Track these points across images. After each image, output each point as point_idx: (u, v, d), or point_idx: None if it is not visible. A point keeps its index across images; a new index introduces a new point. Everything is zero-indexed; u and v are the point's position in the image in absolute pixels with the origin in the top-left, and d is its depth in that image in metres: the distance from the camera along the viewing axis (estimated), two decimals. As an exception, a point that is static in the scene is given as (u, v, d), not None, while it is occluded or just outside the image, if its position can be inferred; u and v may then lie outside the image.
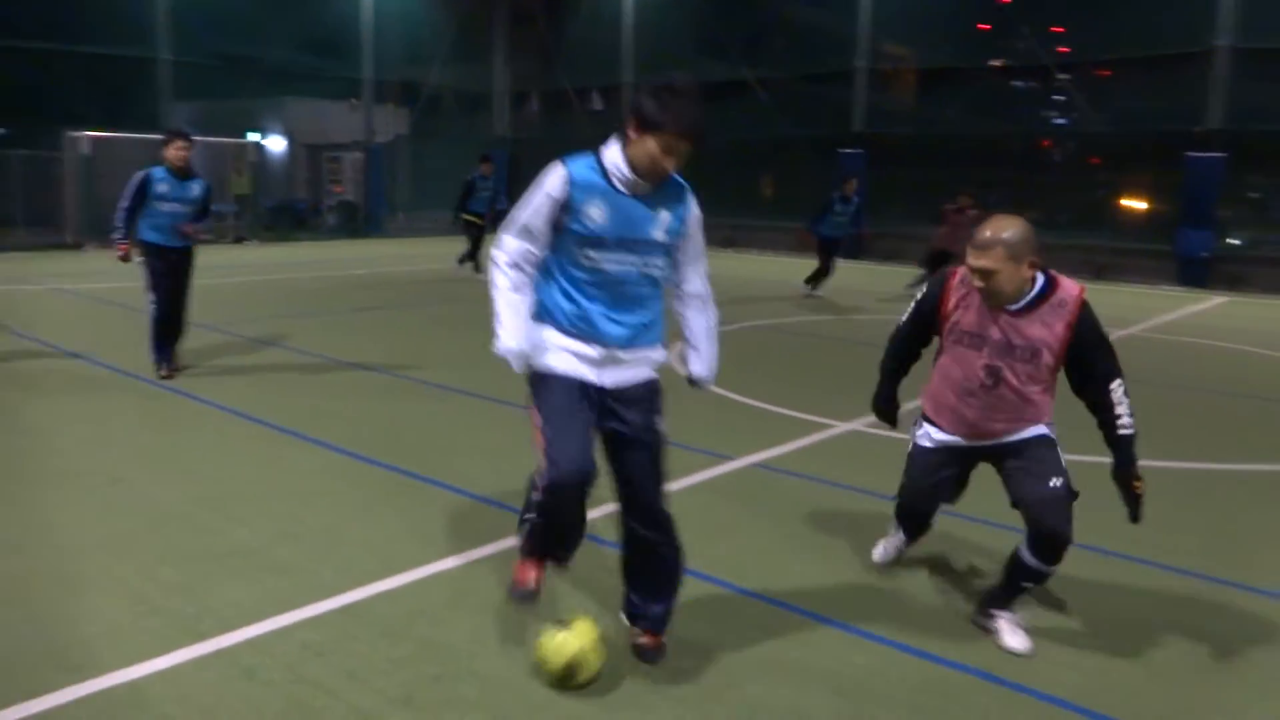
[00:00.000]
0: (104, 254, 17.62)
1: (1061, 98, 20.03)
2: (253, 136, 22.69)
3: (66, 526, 4.37)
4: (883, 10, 20.21)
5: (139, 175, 7.13)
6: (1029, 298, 3.32)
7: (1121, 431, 3.33)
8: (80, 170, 18.17)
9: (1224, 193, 16.59)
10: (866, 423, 6.54)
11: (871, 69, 20.65)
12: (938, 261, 12.73)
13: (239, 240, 20.25)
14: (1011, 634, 3.45)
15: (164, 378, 7.20)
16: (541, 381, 3.08)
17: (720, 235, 22.44)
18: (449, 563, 4.05)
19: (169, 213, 7.14)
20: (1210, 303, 14.64)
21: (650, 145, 2.88)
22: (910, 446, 3.78)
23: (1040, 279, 3.34)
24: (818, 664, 3.31)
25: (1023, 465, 3.45)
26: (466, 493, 4.92)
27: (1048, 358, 3.33)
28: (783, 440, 6.04)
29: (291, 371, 7.74)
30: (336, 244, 21.13)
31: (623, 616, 3.39)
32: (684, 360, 3.43)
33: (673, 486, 5.05)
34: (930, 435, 3.67)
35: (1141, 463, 3.43)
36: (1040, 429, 3.50)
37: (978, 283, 3.30)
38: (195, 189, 7.27)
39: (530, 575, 3.20)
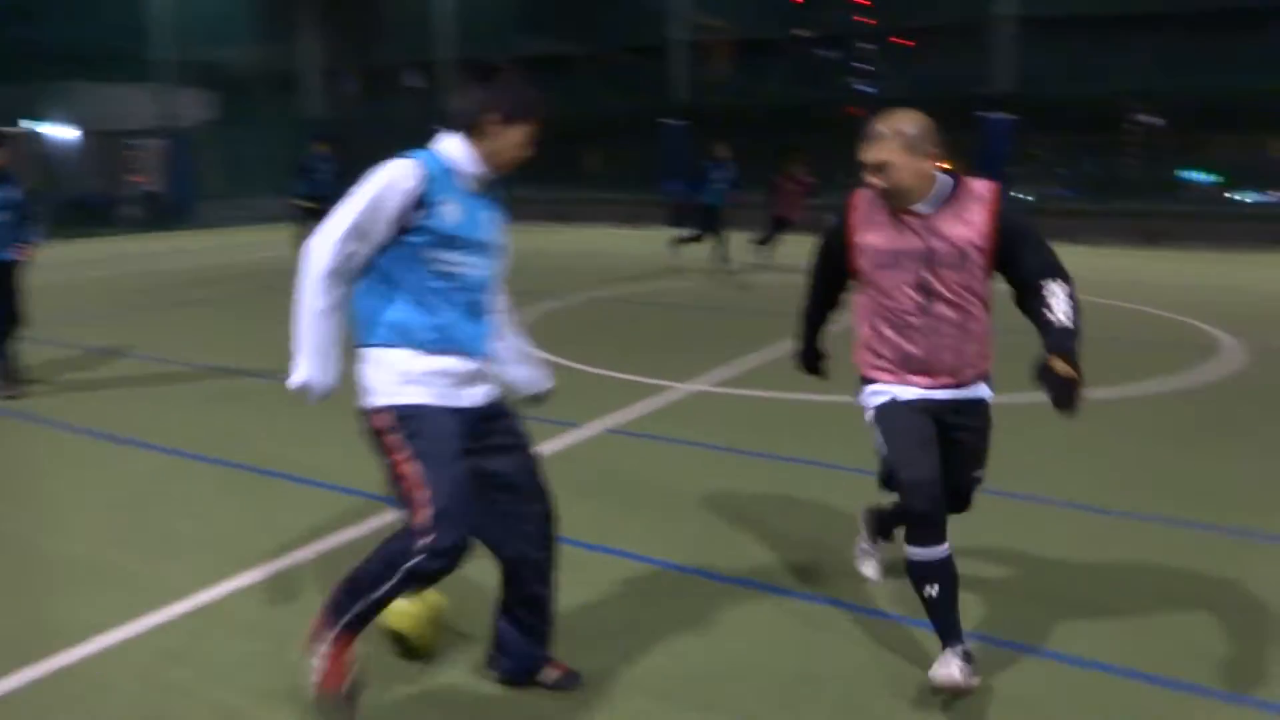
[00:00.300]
0: None
1: (866, 66, 21.09)
2: (30, 125, 20.83)
3: None
4: (696, -20, 20.62)
5: None
6: (939, 195, 2.98)
7: (1057, 324, 2.93)
8: None
9: (1014, 152, 17.95)
10: (710, 381, 6.78)
11: (690, 41, 21.04)
12: (776, 230, 13.18)
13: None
14: (868, 564, 3.68)
15: (9, 398, 6.47)
16: (410, 421, 2.57)
17: (548, 210, 22.45)
18: (302, 553, 3.94)
19: None
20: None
21: (516, 136, 2.70)
22: (871, 421, 3.14)
23: (946, 177, 3.00)
24: (689, 616, 3.44)
25: (966, 442, 3.13)
26: (313, 482, 4.79)
27: (976, 257, 2.96)
28: (629, 404, 6.17)
29: (123, 376, 7.25)
30: (141, 238, 19.74)
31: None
32: (514, 381, 3.09)
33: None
34: (881, 391, 3.11)
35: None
36: (984, 389, 3.20)
37: (876, 181, 2.96)
38: (12, 192, 6.48)
39: (346, 669, 2.60)
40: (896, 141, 2.94)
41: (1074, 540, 4.08)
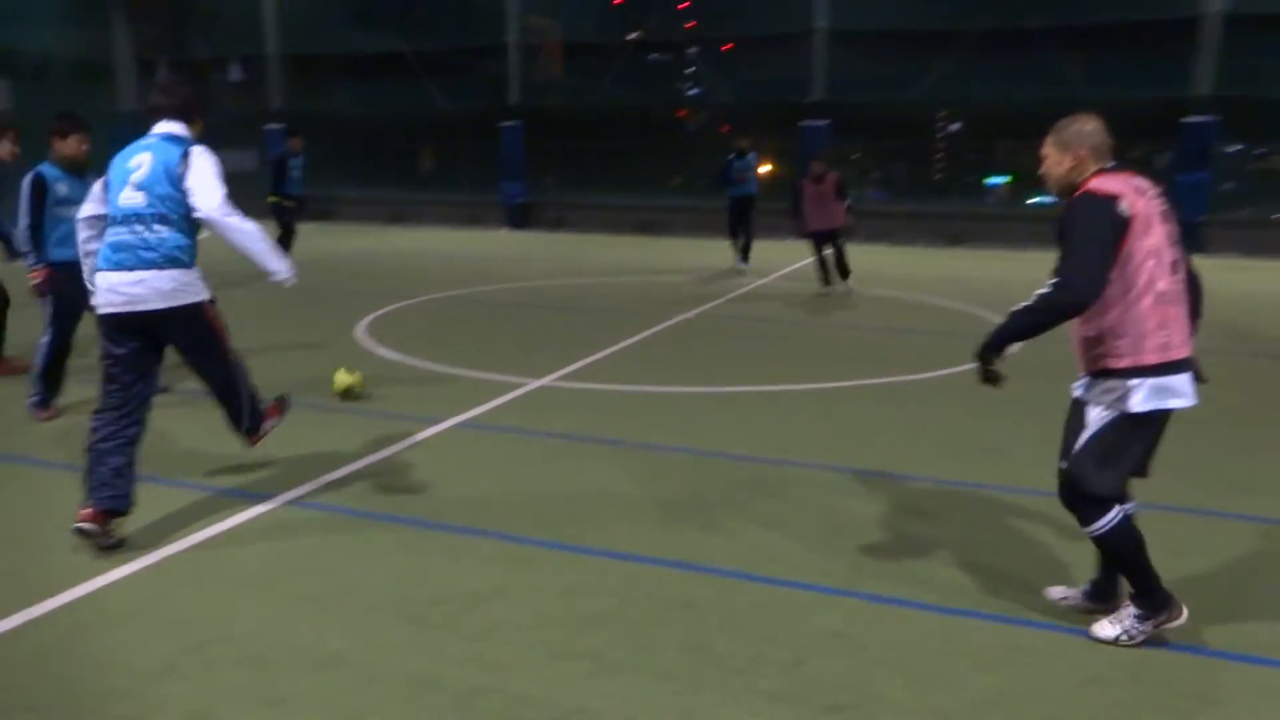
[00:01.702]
0: None
1: (692, 70, 21.96)
2: None
3: None
4: (528, -17, 20.85)
5: (29, 177, 5.73)
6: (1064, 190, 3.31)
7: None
8: None
9: (832, 155, 19.21)
10: (558, 377, 7.15)
11: (523, 43, 21.26)
12: (822, 247, 11.60)
13: None
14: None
15: (48, 419, 5.91)
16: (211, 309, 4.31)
17: (387, 212, 22.18)
18: (176, 547, 4.05)
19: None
20: (825, 251, 16.97)
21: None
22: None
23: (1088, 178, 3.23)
24: (549, 583, 3.81)
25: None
26: (175, 483, 4.85)
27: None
28: (484, 400, 6.46)
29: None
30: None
31: None
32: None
33: (392, 450, 5.35)
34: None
35: (788, 387, 4.23)
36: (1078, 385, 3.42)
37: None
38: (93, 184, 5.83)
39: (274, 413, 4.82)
40: (1051, 137, 3.35)
41: (893, 501, 4.71)
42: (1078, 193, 3.24)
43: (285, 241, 12.70)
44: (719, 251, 16.89)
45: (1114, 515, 3.23)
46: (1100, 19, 16.85)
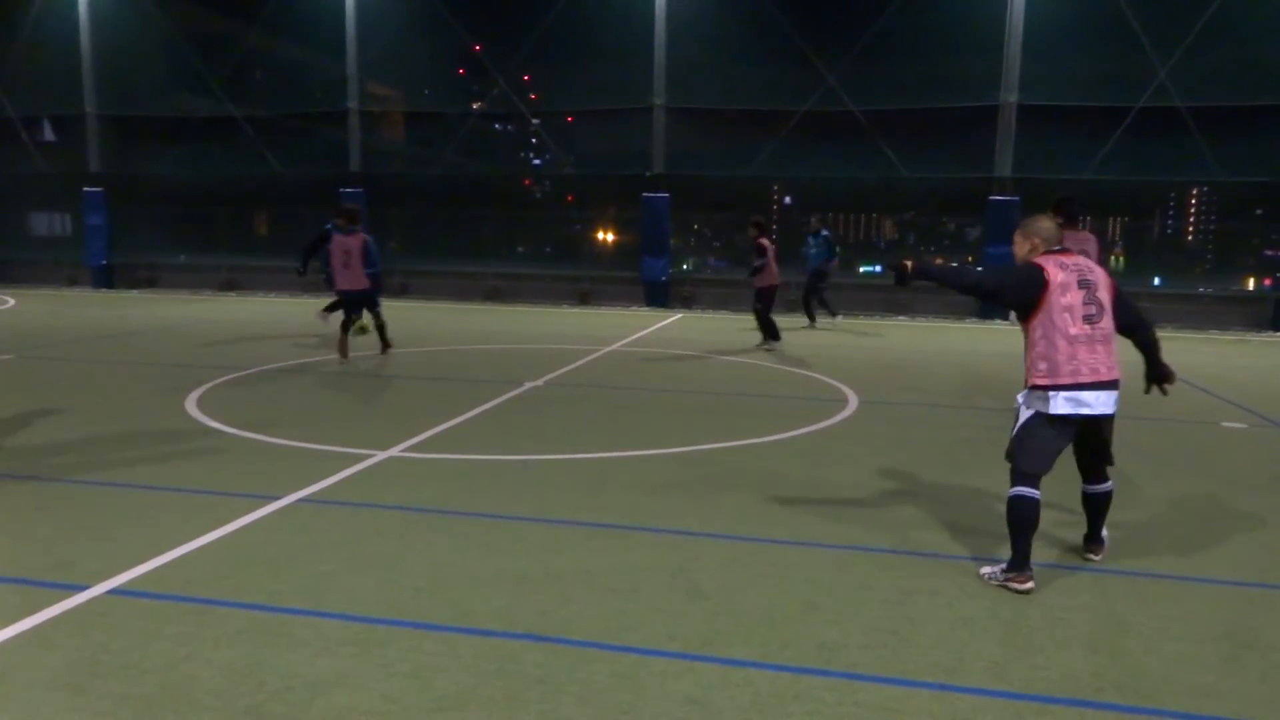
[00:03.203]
0: None
1: (537, 141, 22.29)
2: None
3: None
4: (368, 51, 20.72)
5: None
6: None
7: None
8: None
9: (672, 226, 19.80)
10: (401, 448, 6.95)
11: (363, 110, 21.04)
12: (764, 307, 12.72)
13: None
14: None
15: None
16: None
17: (219, 278, 21.22)
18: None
19: None
20: (672, 318, 17.41)
21: None
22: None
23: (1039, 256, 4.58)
24: (398, 663, 3.65)
25: None
26: (-28, 574, 4.39)
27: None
28: (327, 474, 6.20)
29: None
30: None
31: None
32: None
33: (226, 530, 5.05)
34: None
35: (636, 453, 4.26)
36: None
37: None
38: None
39: None
40: (1017, 233, 4.76)
41: (727, 560, 4.79)
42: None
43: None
44: (566, 318, 17.02)
45: (1020, 489, 4.51)
46: (913, 105, 18.28)
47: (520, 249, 22.90)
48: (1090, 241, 7.78)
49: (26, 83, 22.48)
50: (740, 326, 16.09)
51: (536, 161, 23.08)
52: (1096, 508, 4.89)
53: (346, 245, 10.98)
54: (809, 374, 10.90)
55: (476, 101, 21.38)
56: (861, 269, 21.40)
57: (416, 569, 4.60)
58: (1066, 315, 4.41)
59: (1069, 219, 8.06)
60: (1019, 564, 4.48)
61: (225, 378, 9.86)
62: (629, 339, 13.93)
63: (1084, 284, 4.46)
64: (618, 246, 21.98)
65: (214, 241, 22.36)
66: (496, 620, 4.02)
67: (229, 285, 20.56)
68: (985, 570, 4.63)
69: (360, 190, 20.37)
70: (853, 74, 18.45)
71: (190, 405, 8.39)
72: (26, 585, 4.27)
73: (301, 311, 16.99)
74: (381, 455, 6.73)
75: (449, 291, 20.48)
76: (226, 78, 21.35)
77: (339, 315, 11.43)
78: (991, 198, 18.04)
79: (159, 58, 22.56)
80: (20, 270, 22.54)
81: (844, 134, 18.81)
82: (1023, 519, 4.47)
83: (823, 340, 14.35)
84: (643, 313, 18.44)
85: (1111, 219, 20.27)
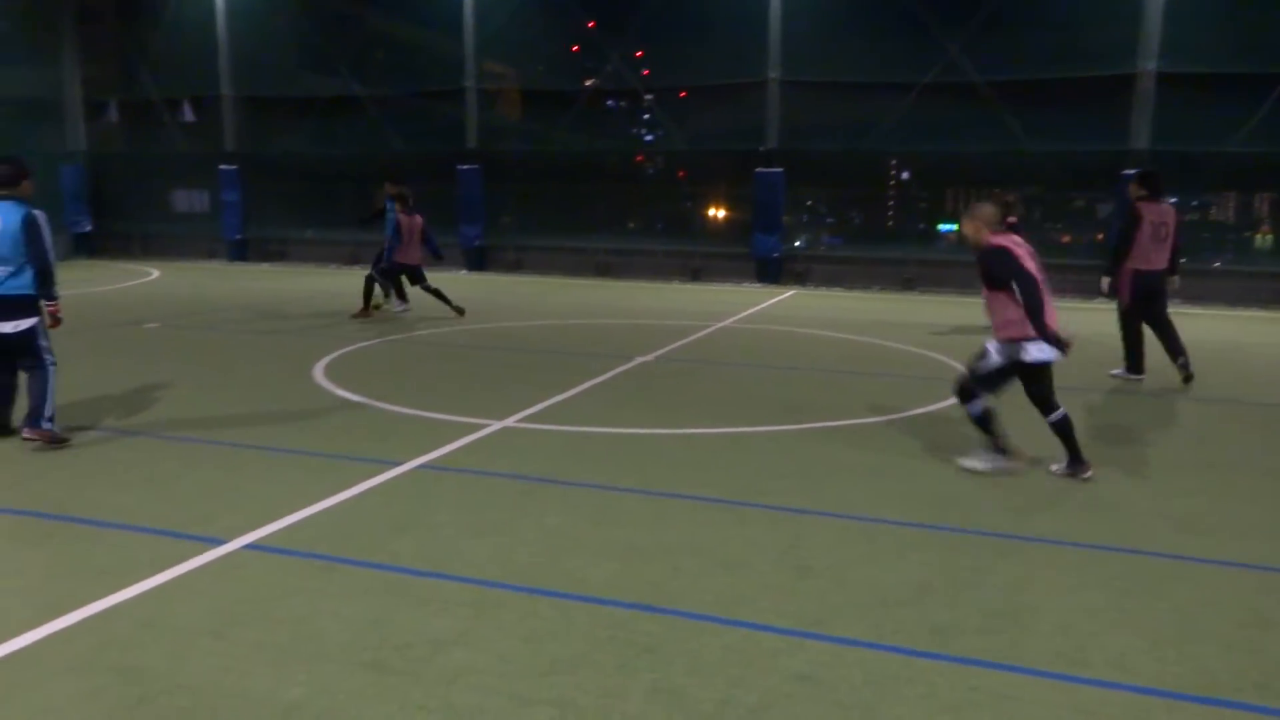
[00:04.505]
0: None
1: (650, 118, 22.26)
2: None
3: None
4: (485, 30, 21.06)
5: (42, 216, 6.21)
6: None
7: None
8: None
9: (786, 202, 19.52)
10: (517, 418, 7.11)
11: (480, 88, 21.42)
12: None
13: None
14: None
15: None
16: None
17: (343, 253, 22.03)
18: (125, 594, 3.93)
19: None
20: (784, 295, 17.21)
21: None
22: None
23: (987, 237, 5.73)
24: (513, 627, 3.76)
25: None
26: (127, 527, 4.72)
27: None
28: (445, 442, 6.39)
29: None
30: None
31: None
32: None
33: (351, 493, 5.28)
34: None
35: (747, 429, 4.25)
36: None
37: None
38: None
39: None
40: (965, 217, 5.83)
41: (851, 545, 4.73)
42: (984, 247, 5.73)
43: (399, 285, 13.17)
44: (677, 294, 17.04)
45: (979, 403, 5.87)
46: (1041, 75, 17.45)
47: (631, 225, 22.95)
48: (1170, 214, 8.49)
49: (168, 67, 23.70)
50: (854, 305, 15.80)
51: (649, 137, 23.06)
52: (1064, 432, 5.85)
53: (413, 224, 12.64)
54: (924, 352, 10.62)
55: (590, 78, 21.49)
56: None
57: (530, 536, 4.71)
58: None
59: (1153, 192, 8.56)
60: (1001, 449, 5.93)
61: (350, 348, 10.26)
62: (740, 315, 13.86)
63: (1032, 256, 5.71)
64: (729, 222, 21.81)
65: (339, 217, 23.17)
66: (608, 589, 4.08)
67: (353, 260, 21.28)
68: (978, 465, 5.92)
69: (477, 167, 20.78)
70: (975, 43, 17.72)
71: (318, 373, 8.77)
72: (172, 537, 4.56)
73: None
74: (496, 425, 6.89)
75: (561, 267, 20.74)
76: (350, 58, 22.04)
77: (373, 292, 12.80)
78: (1125, 172, 17.11)
79: (288, 40, 23.43)
80: (164, 244, 23.89)
81: (966, 106, 18.12)
82: (988, 418, 5.89)
83: (942, 316, 13.96)
84: (754, 289, 18.29)
85: (1258, 194, 18.97)
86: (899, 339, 11.68)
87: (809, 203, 21.93)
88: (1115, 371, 9.27)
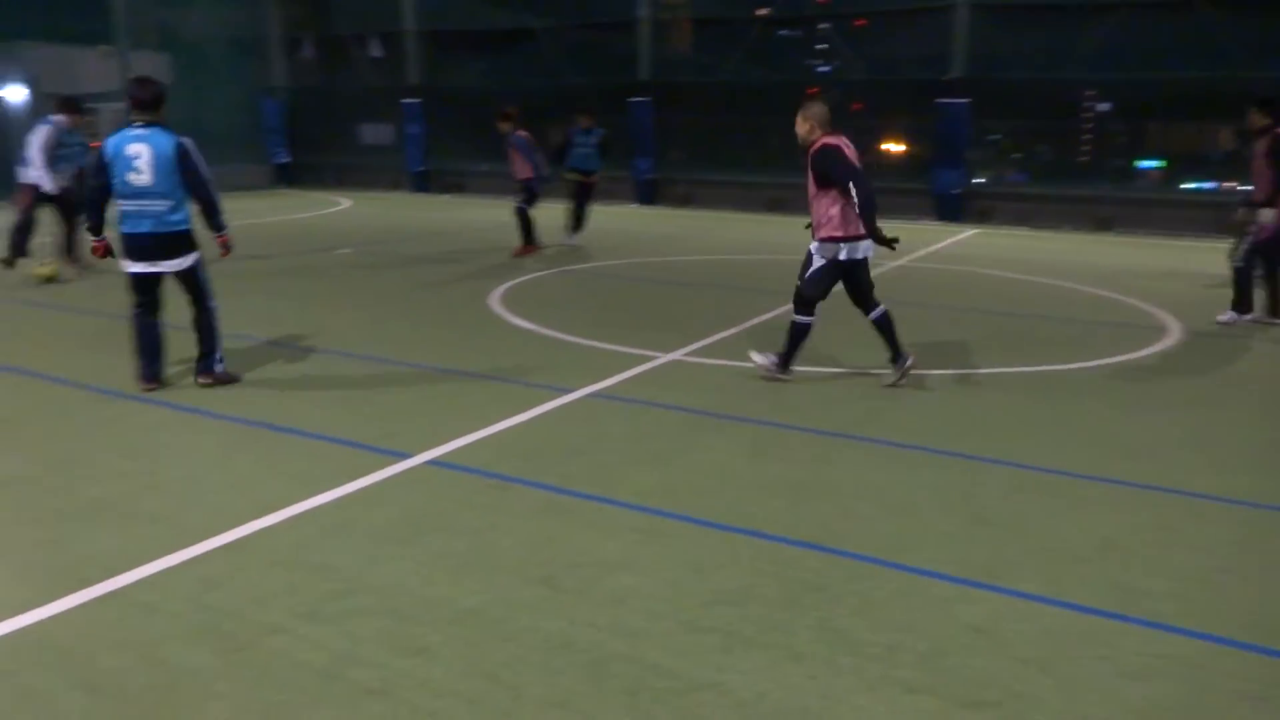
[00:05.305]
0: None
1: (825, 47, 21.43)
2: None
3: (-106, 499, 4.19)
4: (659, -42, 20.75)
5: (194, 145, 5.69)
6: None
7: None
8: None
9: (970, 136, 18.46)
10: (684, 352, 7.13)
11: (654, 18, 21.20)
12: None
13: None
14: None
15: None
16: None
17: (518, 185, 22.56)
18: (321, 499, 4.23)
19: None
20: (964, 234, 16.41)
21: None
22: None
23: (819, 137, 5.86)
24: (679, 555, 3.81)
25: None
26: (324, 437, 5.06)
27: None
28: (614, 372, 6.50)
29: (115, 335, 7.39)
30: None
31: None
32: None
33: (525, 416, 5.45)
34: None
35: (924, 372, 4.06)
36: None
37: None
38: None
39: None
40: (799, 116, 5.93)
41: (1049, 498, 4.51)
42: (815, 146, 5.84)
43: (577, 214, 13.01)
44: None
45: (809, 317, 6.14)
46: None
47: (801, 159, 22.39)
48: None
49: (358, 2, 24.69)
50: (1041, 245, 14.89)
51: (823, 68, 22.26)
52: (885, 329, 6.14)
53: (531, 140, 12.20)
54: (1122, 298, 9.89)
55: (763, 7, 20.86)
56: (1185, 185, 18.94)
57: (697, 468, 4.74)
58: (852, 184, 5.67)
59: (1277, 118, 8.09)
60: (785, 364, 6.23)
61: (525, 277, 10.54)
62: (916, 254, 13.31)
63: (858, 157, 5.90)
64: (907, 156, 20.88)
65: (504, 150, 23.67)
66: (774, 525, 4.06)
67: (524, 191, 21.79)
68: (762, 361, 6.27)
69: (647, 99, 20.69)
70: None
71: (494, 301, 9.06)
72: (361, 449, 4.86)
73: (593, 217, 17.76)
74: (665, 358, 6.94)
75: (731, 201, 20.49)
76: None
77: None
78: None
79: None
80: (352, 175, 25.17)
81: (1177, 28, 16.47)
82: (802, 335, 6.15)
83: (1143, 260, 12.94)
84: (932, 227, 17.51)
85: None
86: (1091, 282, 10.93)
87: (994, 136, 20.66)
88: (1223, 318, 8.47)
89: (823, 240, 5.93)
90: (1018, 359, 7.12)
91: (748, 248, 13.88)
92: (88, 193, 5.75)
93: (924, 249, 13.88)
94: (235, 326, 7.65)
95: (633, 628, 3.21)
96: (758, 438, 5.22)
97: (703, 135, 22.32)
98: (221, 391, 5.89)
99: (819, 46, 21.69)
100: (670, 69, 21.64)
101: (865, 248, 5.93)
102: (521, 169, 12.09)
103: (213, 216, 5.74)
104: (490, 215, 18.09)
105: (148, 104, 5.54)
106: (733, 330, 7.91)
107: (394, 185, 24.33)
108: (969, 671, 3.00)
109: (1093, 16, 17.13)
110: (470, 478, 4.54)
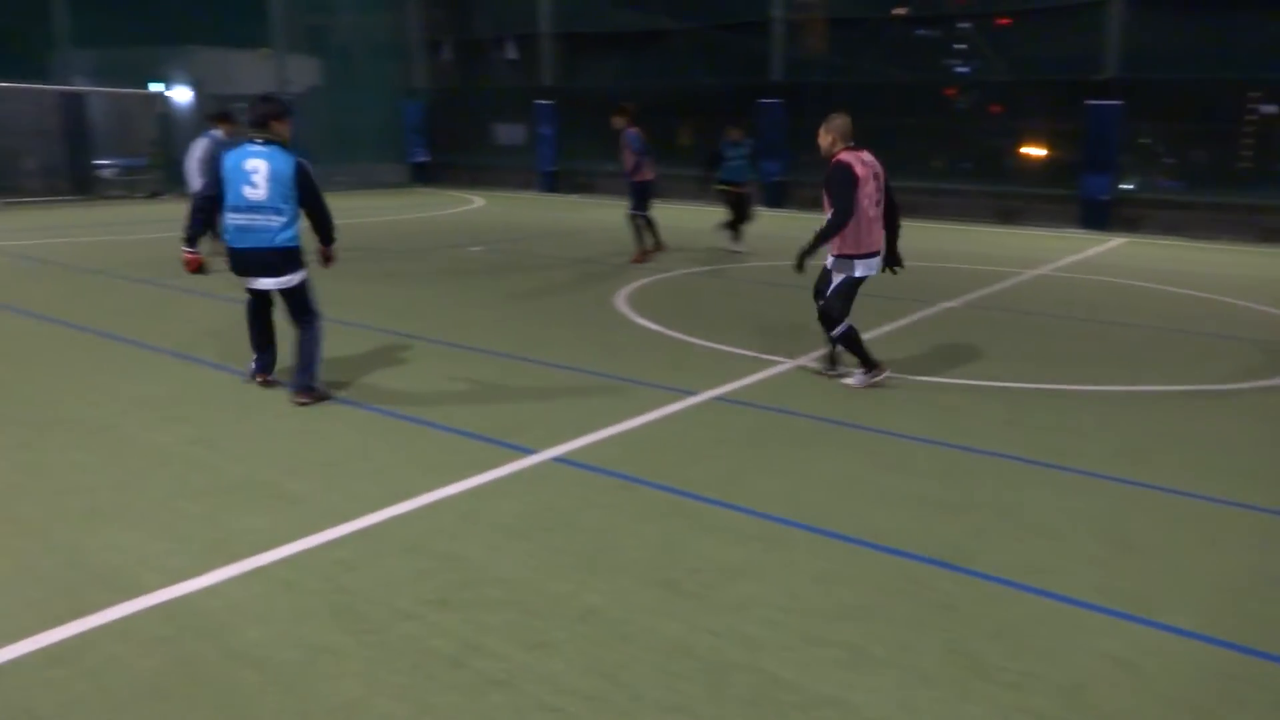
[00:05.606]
0: (11, 211, 16.96)
1: (964, 47, 20.73)
2: (156, 87, 21.87)
3: (69, 469, 4.51)
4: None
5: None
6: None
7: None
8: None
9: (1122, 140, 17.52)
10: (811, 358, 7.01)
11: (786, 19, 20.96)
12: None
13: (154, 195, 19.67)
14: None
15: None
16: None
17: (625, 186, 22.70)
18: (450, 489, 4.33)
19: None
20: (1111, 243, 15.60)
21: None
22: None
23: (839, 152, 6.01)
24: (803, 565, 3.73)
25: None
26: (453, 430, 5.19)
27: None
28: (739, 376, 6.44)
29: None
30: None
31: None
32: None
33: (647, 418, 5.45)
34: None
35: (1064, 387, 3.87)
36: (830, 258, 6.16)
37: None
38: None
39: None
40: (823, 128, 6.11)
41: (1194, 527, 4.23)
42: (833, 161, 5.98)
43: (735, 224, 12.78)
44: (986, 238, 15.97)
45: (845, 326, 6.13)
46: None
47: (934, 163, 21.68)
48: None
49: (495, 5, 25.35)
50: (1197, 257, 14.01)
51: (961, 68, 21.53)
52: (852, 345, 6.24)
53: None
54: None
55: (900, 6, 20.34)
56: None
57: (822, 478, 4.64)
58: (867, 201, 5.90)
59: None
60: (870, 364, 6.19)
61: (650, 278, 10.58)
62: (1059, 263, 12.73)
63: (875, 176, 5.99)
64: (1049, 161, 19.97)
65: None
66: (903, 540, 3.93)
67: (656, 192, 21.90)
68: (855, 382, 6.21)
69: (778, 100, 20.48)
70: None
71: (620, 302, 9.13)
72: (489, 443, 4.96)
73: (710, 220, 17.72)
74: (790, 363, 6.83)
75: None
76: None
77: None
78: None
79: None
80: (485, 174, 25.87)
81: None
82: (854, 338, 6.14)
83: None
84: (1076, 235, 16.72)
85: None
86: (1251, 298, 10.21)
87: (1144, 140, 19.54)
88: None
89: (838, 256, 6.04)
90: (1171, 377, 6.70)
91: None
92: (194, 201, 5.74)
93: (1066, 258, 13.27)
94: (372, 319, 7.96)
95: (753, 637, 3.16)
96: (885, 448, 5.08)
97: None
98: (361, 381, 6.12)
99: (958, 46, 21.01)
100: (802, 70, 21.37)
101: (877, 264, 6.13)
102: (634, 168, 11.60)
103: (324, 232, 5.75)
104: (618, 216, 18.26)
105: (257, 123, 5.49)
106: (863, 337, 7.71)
107: (524, 185, 24.86)
108: (1111, 708, 2.82)
109: (1258, 12, 16.01)
110: (593, 476, 4.57)
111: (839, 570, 3.66)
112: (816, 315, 6.26)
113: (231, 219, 5.46)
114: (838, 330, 6.14)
